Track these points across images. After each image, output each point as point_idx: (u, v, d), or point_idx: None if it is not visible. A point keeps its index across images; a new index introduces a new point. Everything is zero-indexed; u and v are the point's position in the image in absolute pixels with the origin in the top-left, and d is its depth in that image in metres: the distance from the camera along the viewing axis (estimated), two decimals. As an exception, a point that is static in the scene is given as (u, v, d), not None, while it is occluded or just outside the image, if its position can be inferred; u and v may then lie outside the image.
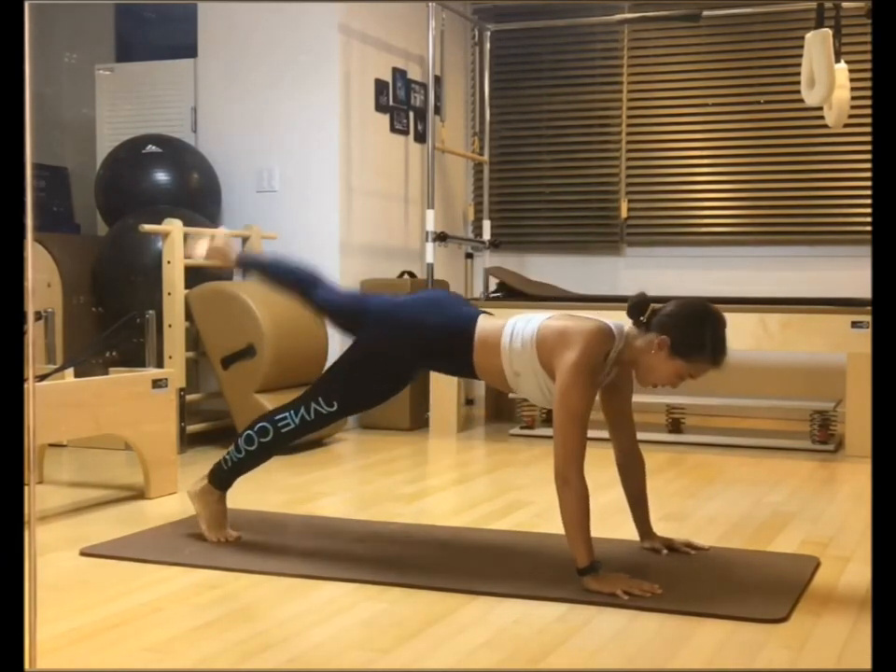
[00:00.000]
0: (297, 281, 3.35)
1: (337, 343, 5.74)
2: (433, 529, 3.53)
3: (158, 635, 2.49)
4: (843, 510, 3.89)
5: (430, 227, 5.82)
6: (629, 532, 3.28)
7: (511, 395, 3.11)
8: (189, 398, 5.11)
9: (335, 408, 3.17)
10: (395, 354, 3.11)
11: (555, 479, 2.81)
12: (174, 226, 4.99)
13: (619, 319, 3.01)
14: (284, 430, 3.22)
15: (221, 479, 3.31)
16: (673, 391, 3.40)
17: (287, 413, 3.22)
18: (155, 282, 5.04)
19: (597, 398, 3.07)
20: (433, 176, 5.93)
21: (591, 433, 2.89)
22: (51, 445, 4.57)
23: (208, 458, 4.86)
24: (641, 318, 2.93)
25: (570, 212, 6.97)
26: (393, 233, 6.35)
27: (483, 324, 3.07)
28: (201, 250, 3.54)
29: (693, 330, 2.87)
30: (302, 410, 3.20)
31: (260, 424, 3.25)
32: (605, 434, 3.17)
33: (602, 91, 6.87)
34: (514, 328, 3.00)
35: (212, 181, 5.85)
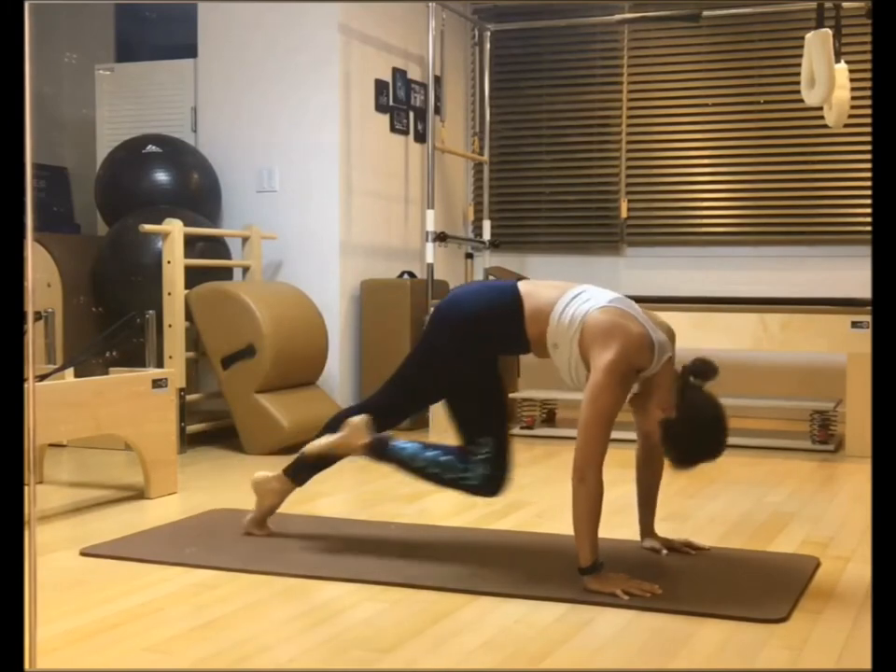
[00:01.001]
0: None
1: (337, 343, 5.74)
2: (433, 529, 3.53)
3: (158, 635, 2.49)
4: (843, 510, 3.89)
5: (430, 227, 5.83)
6: (629, 532, 3.28)
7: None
8: (189, 398, 5.11)
9: (489, 438, 3.16)
10: (459, 357, 3.12)
11: (573, 475, 2.80)
12: (174, 226, 4.99)
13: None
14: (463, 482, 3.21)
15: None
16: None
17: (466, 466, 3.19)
18: (155, 282, 5.04)
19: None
20: (433, 176, 5.93)
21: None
22: (51, 445, 4.57)
23: (208, 458, 4.87)
24: (691, 380, 2.91)
25: (570, 212, 6.96)
26: (393, 233, 6.35)
27: (530, 290, 3.03)
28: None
29: (691, 446, 2.90)
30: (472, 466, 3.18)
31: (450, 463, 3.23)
32: (616, 434, 3.16)
33: (602, 90, 6.87)
34: (568, 305, 2.96)
35: (212, 181, 5.85)
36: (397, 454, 3.23)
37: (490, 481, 3.15)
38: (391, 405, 3.30)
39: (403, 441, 3.26)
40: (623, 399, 2.85)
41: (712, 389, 2.95)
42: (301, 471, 3.37)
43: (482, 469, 3.15)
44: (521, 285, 3.07)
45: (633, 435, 3.16)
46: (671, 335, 3.01)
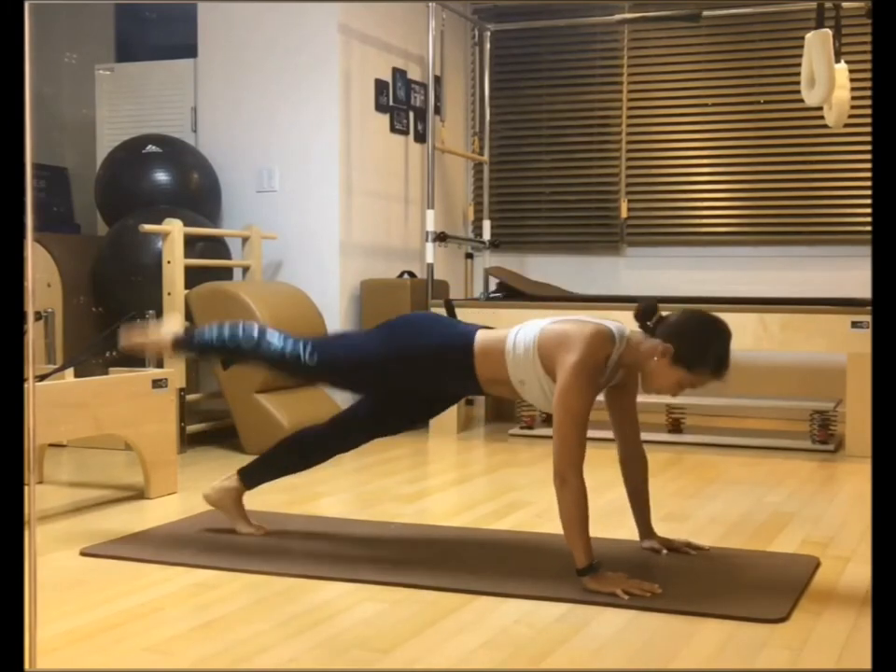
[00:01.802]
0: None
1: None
2: (433, 529, 3.53)
3: (158, 635, 2.49)
4: (843, 510, 3.89)
5: (430, 227, 5.82)
6: (629, 532, 3.28)
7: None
8: (189, 398, 5.11)
9: (314, 365, 3.17)
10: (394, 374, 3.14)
11: (554, 479, 2.81)
12: (174, 226, 4.99)
13: (619, 319, 3.01)
14: (263, 347, 3.22)
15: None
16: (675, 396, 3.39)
17: (278, 335, 3.23)
18: (155, 282, 5.04)
19: (602, 397, 3.07)
20: (433, 176, 5.93)
21: (592, 433, 2.89)
22: (51, 445, 4.57)
23: (208, 458, 4.87)
24: (648, 324, 2.93)
25: (570, 212, 6.96)
26: (393, 233, 6.35)
27: (483, 336, 3.07)
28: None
29: (698, 342, 2.87)
30: (292, 345, 3.19)
31: (250, 331, 3.25)
32: (606, 434, 3.17)
33: (602, 90, 6.87)
34: (517, 336, 3.00)
35: (212, 181, 5.85)
36: (199, 334, 3.33)
37: (276, 353, 3.19)
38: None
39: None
40: (592, 397, 2.85)
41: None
42: (256, 476, 3.42)
43: (289, 347, 3.18)
44: (478, 333, 3.09)
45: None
46: None
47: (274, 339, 3.22)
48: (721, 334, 2.90)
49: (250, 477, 3.40)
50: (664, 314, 2.95)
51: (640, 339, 2.93)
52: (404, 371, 3.11)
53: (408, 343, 3.10)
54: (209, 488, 3.43)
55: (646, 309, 2.94)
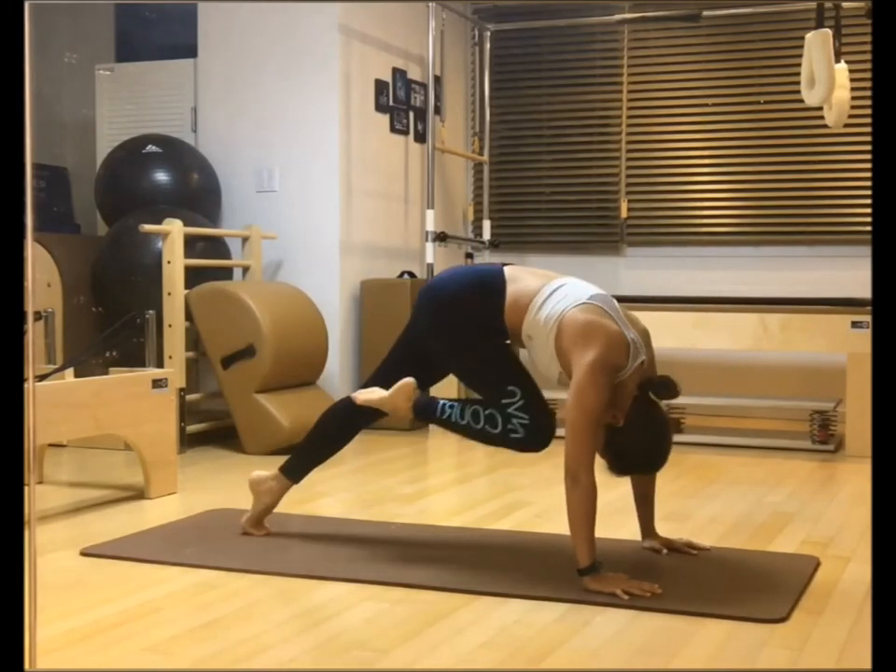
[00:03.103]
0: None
1: (336, 343, 5.75)
2: (433, 529, 3.53)
3: (158, 635, 2.49)
4: (843, 510, 3.89)
5: (430, 227, 5.83)
6: (629, 532, 3.28)
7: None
8: (189, 398, 5.11)
9: (514, 387, 3.08)
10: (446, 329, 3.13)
11: (565, 477, 2.80)
12: (174, 226, 4.99)
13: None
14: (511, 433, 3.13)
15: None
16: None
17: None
18: (155, 282, 5.04)
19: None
20: (433, 176, 5.93)
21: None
22: (51, 445, 4.57)
23: (208, 458, 4.87)
24: (650, 394, 2.96)
25: (570, 212, 6.96)
26: (393, 233, 6.35)
27: (514, 275, 3.07)
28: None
29: (630, 459, 2.97)
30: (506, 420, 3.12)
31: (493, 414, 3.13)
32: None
33: (602, 90, 6.87)
34: (548, 298, 2.98)
35: (212, 181, 5.85)
36: (442, 411, 3.17)
37: (533, 431, 3.06)
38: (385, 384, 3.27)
39: (446, 398, 3.22)
40: (607, 398, 2.85)
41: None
42: (298, 468, 3.38)
43: (521, 419, 3.06)
44: (507, 270, 3.09)
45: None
46: (646, 336, 3.02)
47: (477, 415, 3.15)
48: (649, 466, 3.02)
49: (292, 471, 3.37)
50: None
51: (637, 386, 2.94)
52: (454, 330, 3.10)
53: (439, 302, 3.12)
54: (254, 474, 3.39)
55: (663, 390, 2.97)
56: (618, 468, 2.97)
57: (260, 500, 3.37)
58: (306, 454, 3.40)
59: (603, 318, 2.90)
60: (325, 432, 3.38)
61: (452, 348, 3.15)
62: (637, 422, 2.92)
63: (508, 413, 3.06)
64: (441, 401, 3.18)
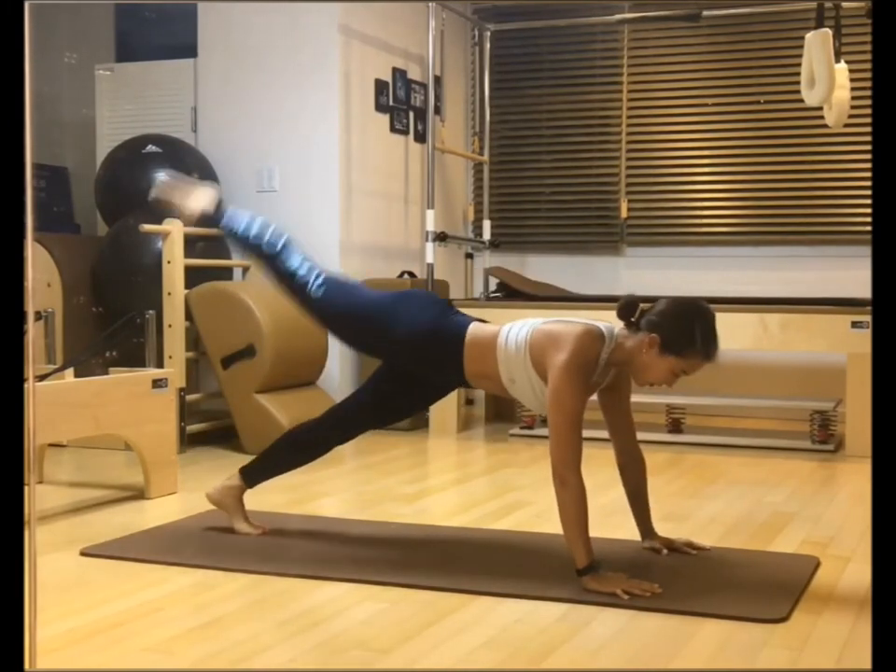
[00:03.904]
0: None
1: (336, 343, 5.73)
2: (433, 529, 3.53)
3: (158, 635, 2.49)
4: (843, 510, 3.89)
5: (430, 227, 5.82)
6: (629, 532, 3.28)
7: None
8: (189, 398, 5.11)
9: (318, 297, 3.19)
10: (393, 344, 3.15)
11: (553, 480, 2.81)
12: (174, 226, 4.99)
13: (615, 319, 3.01)
14: (280, 260, 3.25)
15: None
16: (672, 391, 3.40)
17: (299, 255, 3.27)
18: (155, 282, 5.03)
19: (596, 398, 3.08)
20: (433, 176, 5.93)
21: (590, 433, 2.90)
22: (51, 445, 4.57)
23: (208, 458, 4.87)
24: (632, 319, 2.93)
25: (570, 212, 6.97)
26: (393, 233, 6.35)
27: (475, 330, 3.08)
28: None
29: (682, 326, 2.88)
30: (307, 270, 3.22)
31: (276, 240, 3.28)
32: (604, 434, 3.17)
33: (602, 90, 6.87)
34: (509, 333, 3.01)
35: (212, 181, 5.84)
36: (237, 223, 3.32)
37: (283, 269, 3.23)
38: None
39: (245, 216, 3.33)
40: (585, 397, 2.86)
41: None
42: (259, 475, 3.43)
43: (302, 265, 3.22)
44: (471, 326, 3.11)
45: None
46: None
47: (294, 258, 3.26)
48: (704, 314, 2.91)
49: (251, 475, 3.41)
50: (645, 306, 2.95)
51: (627, 335, 2.93)
52: (395, 340, 3.12)
53: (407, 314, 3.12)
54: (211, 488, 3.44)
55: (626, 305, 2.95)
56: (700, 351, 2.87)
57: (230, 507, 3.40)
58: (269, 463, 3.44)
59: (565, 325, 2.94)
60: (293, 445, 3.43)
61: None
62: (655, 328, 2.87)
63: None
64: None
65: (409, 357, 3.16)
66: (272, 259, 3.27)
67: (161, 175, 3.42)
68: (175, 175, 3.52)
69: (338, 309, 3.22)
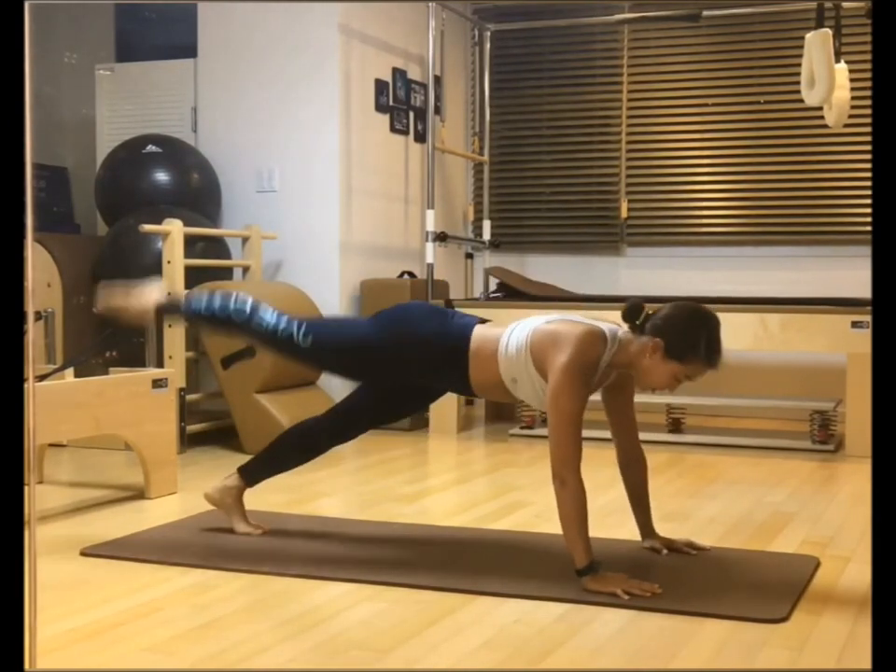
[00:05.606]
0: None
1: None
2: (433, 529, 3.53)
3: (158, 635, 2.49)
4: (843, 510, 3.89)
5: (430, 227, 5.82)
6: (629, 532, 3.28)
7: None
8: (189, 398, 5.11)
9: (308, 346, 3.15)
10: (391, 356, 3.13)
11: (553, 480, 2.81)
12: (174, 226, 4.99)
13: (618, 319, 3.01)
14: (255, 322, 3.18)
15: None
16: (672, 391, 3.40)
17: (271, 312, 3.20)
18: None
19: (599, 398, 3.08)
20: (433, 176, 5.93)
21: (590, 433, 2.90)
22: (51, 445, 4.57)
23: (208, 458, 4.87)
24: (636, 322, 2.93)
25: (570, 212, 6.96)
26: (393, 233, 6.35)
27: (479, 335, 3.06)
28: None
29: (686, 332, 2.88)
30: (286, 323, 3.16)
31: (243, 305, 3.21)
32: (604, 434, 3.17)
33: (602, 90, 6.87)
34: (510, 335, 3.00)
35: (212, 181, 5.85)
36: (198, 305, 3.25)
37: (269, 331, 3.16)
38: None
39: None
40: (585, 398, 2.85)
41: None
42: (258, 474, 3.42)
43: (285, 327, 3.15)
44: (476, 328, 3.08)
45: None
46: None
47: (267, 315, 3.19)
48: (709, 321, 2.91)
49: (250, 474, 3.40)
50: (653, 307, 2.95)
51: (631, 338, 2.93)
52: (396, 360, 3.11)
53: (403, 332, 3.11)
54: (210, 488, 3.43)
55: (632, 308, 2.94)
56: (703, 358, 2.86)
57: (229, 507, 3.40)
58: (268, 462, 3.43)
59: (567, 325, 2.93)
60: (292, 445, 3.42)
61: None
62: (659, 332, 2.86)
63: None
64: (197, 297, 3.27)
65: (417, 374, 3.16)
66: (245, 324, 3.20)
67: (100, 285, 3.32)
68: (113, 281, 3.42)
69: (332, 351, 3.20)
